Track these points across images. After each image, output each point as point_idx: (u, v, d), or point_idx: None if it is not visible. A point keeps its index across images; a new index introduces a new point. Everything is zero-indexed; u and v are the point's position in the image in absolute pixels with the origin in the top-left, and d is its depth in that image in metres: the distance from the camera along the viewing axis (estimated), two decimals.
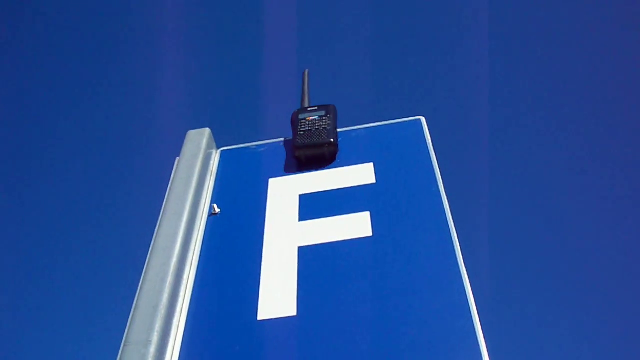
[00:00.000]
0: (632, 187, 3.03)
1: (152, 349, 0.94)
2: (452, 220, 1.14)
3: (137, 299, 1.04)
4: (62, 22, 3.86)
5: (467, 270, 1.03)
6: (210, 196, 1.32)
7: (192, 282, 1.13)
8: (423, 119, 1.40)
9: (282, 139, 1.45)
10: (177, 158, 1.36)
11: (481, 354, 0.91)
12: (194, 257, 1.18)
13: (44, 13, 3.89)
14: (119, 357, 0.95)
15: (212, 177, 1.37)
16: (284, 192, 1.29)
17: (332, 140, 1.32)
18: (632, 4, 3.36)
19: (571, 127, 3.25)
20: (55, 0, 3.91)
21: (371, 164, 1.30)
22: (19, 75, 3.74)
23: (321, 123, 1.35)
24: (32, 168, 3.49)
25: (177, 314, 1.05)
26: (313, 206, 1.23)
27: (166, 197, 1.26)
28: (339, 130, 1.38)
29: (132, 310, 1.02)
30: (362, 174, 1.28)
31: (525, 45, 3.43)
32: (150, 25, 3.73)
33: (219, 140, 1.46)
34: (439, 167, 1.26)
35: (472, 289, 1.00)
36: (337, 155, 1.34)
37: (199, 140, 1.38)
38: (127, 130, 3.49)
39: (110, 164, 3.41)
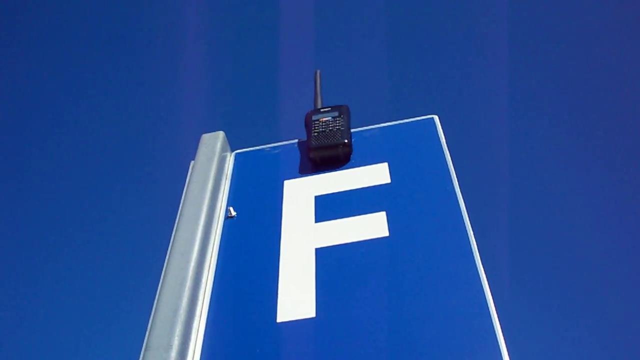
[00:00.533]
0: None
1: (174, 353, 0.95)
2: (468, 219, 1.13)
3: (157, 304, 1.04)
4: (78, 29, 3.89)
5: (484, 269, 1.03)
6: (226, 199, 1.33)
7: (211, 286, 1.14)
8: (436, 118, 1.40)
9: (295, 141, 1.45)
10: (192, 162, 1.37)
11: (501, 354, 0.91)
12: (212, 261, 1.19)
13: (58, 21, 3.92)
14: None
15: (227, 180, 1.38)
16: (300, 193, 1.29)
17: (346, 140, 1.32)
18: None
19: (588, 123, 3.22)
20: (71, 10, 3.94)
21: (385, 164, 1.30)
22: (35, 80, 3.77)
23: (335, 124, 1.35)
24: (47, 175, 3.52)
25: (196, 318, 1.06)
26: (329, 207, 1.23)
27: (182, 201, 1.27)
28: (352, 130, 1.38)
29: (152, 314, 1.03)
30: (377, 174, 1.28)
31: (539, 42, 3.40)
32: (164, 29, 3.75)
33: (233, 143, 1.46)
34: (453, 165, 1.26)
35: (490, 288, 1.00)
36: (351, 156, 1.34)
37: (213, 143, 1.38)
38: (142, 135, 3.51)
39: (125, 169, 3.43)
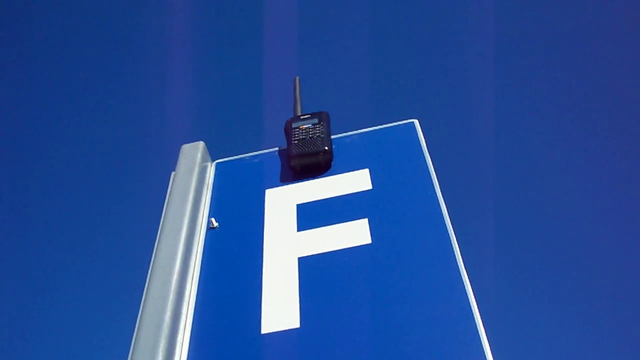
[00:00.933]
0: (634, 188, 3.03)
1: None
2: (450, 223, 1.14)
3: (140, 319, 1.03)
4: (55, 37, 3.85)
5: (467, 273, 1.03)
6: (208, 210, 1.32)
7: (194, 299, 1.13)
8: (416, 122, 1.40)
9: (276, 149, 1.44)
10: (173, 173, 1.36)
11: (485, 358, 0.91)
12: (195, 274, 1.18)
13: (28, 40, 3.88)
14: None
15: (208, 191, 1.37)
16: (281, 202, 1.28)
17: (326, 148, 1.32)
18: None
19: (567, 126, 3.25)
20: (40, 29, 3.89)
21: (367, 170, 1.30)
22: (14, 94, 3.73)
23: (315, 131, 1.35)
24: (29, 187, 3.48)
25: (180, 332, 1.05)
26: (311, 215, 1.23)
27: (163, 213, 1.26)
28: (332, 137, 1.38)
29: (136, 330, 1.02)
30: (358, 181, 1.28)
31: (521, 45, 3.42)
32: (143, 40, 3.73)
33: (213, 152, 1.45)
34: (434, 169, 1.26)
35: (473, 292, 1.00)
36: (332, 163, 1.34)
37: (193, 154, 1.37)
38: (121, 146, 3.48)
39: (104, 182, 3.40)
